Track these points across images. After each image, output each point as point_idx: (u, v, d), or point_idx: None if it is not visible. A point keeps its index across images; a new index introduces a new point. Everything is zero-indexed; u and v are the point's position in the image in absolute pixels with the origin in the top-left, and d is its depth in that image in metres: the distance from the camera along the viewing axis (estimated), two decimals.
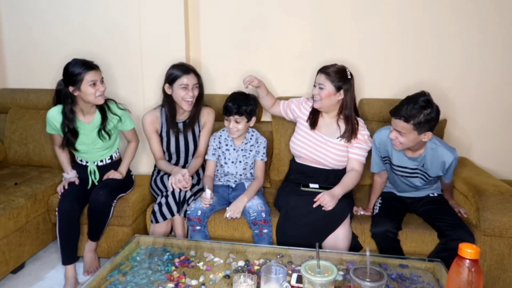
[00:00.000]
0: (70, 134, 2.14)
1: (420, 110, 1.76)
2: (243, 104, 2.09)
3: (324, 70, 2.04)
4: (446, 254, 1.80)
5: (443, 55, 2.50)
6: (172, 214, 2.07)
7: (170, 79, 2.15)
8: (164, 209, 2.06)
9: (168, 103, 2.22)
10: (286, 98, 2.40)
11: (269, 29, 2.63)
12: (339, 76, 2.02)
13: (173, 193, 2.06)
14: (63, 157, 2.29)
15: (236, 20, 2.64)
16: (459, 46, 2.48)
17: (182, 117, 2.29)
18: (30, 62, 2.86)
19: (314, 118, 2.15)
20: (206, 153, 2.29)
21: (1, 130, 2.73)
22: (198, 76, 2.20)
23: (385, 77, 2.55)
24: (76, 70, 2.02)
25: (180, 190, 2.06)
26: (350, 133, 2.07)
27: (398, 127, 1.82)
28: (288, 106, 2.28)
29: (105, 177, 2.21)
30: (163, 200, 2.07)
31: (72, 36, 2.72)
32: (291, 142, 2.23)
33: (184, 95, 2.13)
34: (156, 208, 2.08)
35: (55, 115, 2.15)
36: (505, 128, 2.55)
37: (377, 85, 2.57)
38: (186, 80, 2.12)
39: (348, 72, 2.05)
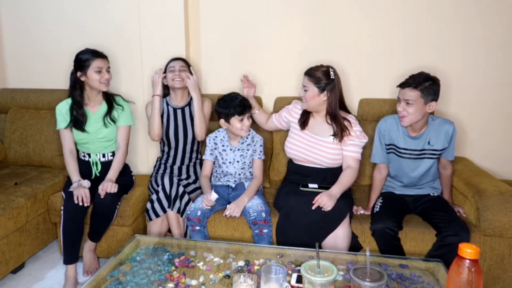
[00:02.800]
0: (79, 115, 2.21)
1: (425, 79, 1.94)
2: (247, 100, 2.18)
3: (307, 72, 2.08)
4: (443, 251, 1.81)
5: (443, 55, 2.50)
6: (164, 211, 2.09)
7: (165, 68, 2.35)
8: (156, 205, 2.09)
9: (167, 91, 2.42)
10: (285, 99, 2.40)
11: (268, 30, 2.63)
12: (322, 77, 2.04)
13: (164, 189, 2.10)
14: (72, 165, 2.20)
15: (235, 20, 2.65)
16: (460, 47, 2.48)
17: (179, 103, 2.38)
18: (30, 62, 2.87)
19: (304, 118, 2.18)
20: (197, 154, 2.40)
21: (1, 130, 2.74)
22: (186, 62, 2.36)
23: (385, 77, 2.55)
24: (84, 57, 2.15)
25: (171, 186, 2.11)
26: (341, 131, 2.08)
27: (406, 96, 1.95)
28: (280, 117, 2.32)
29: (100, 189, 2.10)
30: (154, 197, 2.11)
31: (72, 36, 2.72)
32: (285, 146, 2.24)
33: (171, 76, 2.30)
34: (148, 205, 2.12)
35: (62, 104, 2.26)
36: (506, 128, 2.55)
37: (377, 85, 2.57)
38: (173, 63, 2.32)
39: (332, 72, 2.05)
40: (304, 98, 2.09)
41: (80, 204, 2.05)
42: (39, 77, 2.86)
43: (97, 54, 2.17)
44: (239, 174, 2.21)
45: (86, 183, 2.13)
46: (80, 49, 2.22)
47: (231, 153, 2.20)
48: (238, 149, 2.20)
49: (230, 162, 2.20)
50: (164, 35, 2.57)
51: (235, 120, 2.10)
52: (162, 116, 2.35)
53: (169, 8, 2.53)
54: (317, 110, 2.13)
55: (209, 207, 2.04)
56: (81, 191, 2.07)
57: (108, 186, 2.10)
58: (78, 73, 2.17)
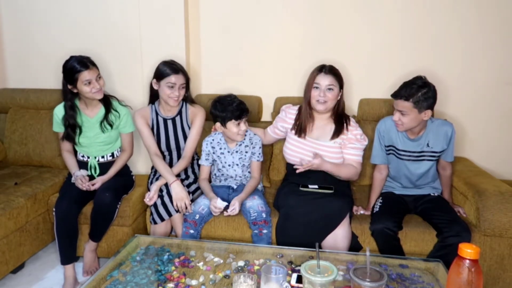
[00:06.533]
0: (70, 128, 2.19)
1: (418, 89, 1.90)
2: (244, 103, 2.07)
3: (330, 71, 2.05)
4: (444, 252, 1.81)
5: (443, 55, 2.50)
6: (170, 215, 2.07)
7: (158, 75, 2.15)
8: (161, 209, 2.07)
9: (154, 98, 2.27)
10: (285, 99, 2.39)
11: (268, 30, 2.63)
12: (340, 75, 2.08)
13: (168, 192, 2.07)
14: (71, 161, 2.26)
15: (235, 21, 2.65)
16: (459, 46, 2.49)
17: (169, 113, 2.27)
18: (30, 62, 2.87)
19: (301, 126, 2.14)
20: (193, 154, 2.30)
21: (1, 130, 2.73)
22: (186, 76, 2.18)
23: (385, 77, 2.55)
24: (71, 70, 2.05)
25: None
26: (340, 130, 2.09)
27: (399, 107, 1.94)
28: (275, 127, 2.29)
29: (93, 184, 2.16)
30: (159, 201, 2.08)
31: (72, 36, 2.72)
32: (284, 153, 2.22)
33: (170, 93, 2.12)
34: (152, 209, 2.09)
35: (60, 109, 2.22)
36: (505, 128, 2.55)
37: (377, 85, 2.57)
38: (174, 79, 2.11)
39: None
40: (326, 98, 2.03)
41: (85, 189, 2.13)
42: (39, 77, 2.85)
43: (84, 65, 2.05)
44: (240, 176, 2.20)
45: (82, 172, 2.21)
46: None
47: (230, 156, 2.17)
48: (237, 152, 2.16)
49: (229, 165, 2.18)
50: (164, 36, 2.56)
51: (231, 125, 2.04)
52: (152, 128, 2.26)
53: (169, 9, 2.53)
54: (329, 110, 2.12)
55: (217, 213, 2.03)
56: (78, 181, 2.14)
57: (100, 178, 2.19)
58: (69, 86, 2.10)
